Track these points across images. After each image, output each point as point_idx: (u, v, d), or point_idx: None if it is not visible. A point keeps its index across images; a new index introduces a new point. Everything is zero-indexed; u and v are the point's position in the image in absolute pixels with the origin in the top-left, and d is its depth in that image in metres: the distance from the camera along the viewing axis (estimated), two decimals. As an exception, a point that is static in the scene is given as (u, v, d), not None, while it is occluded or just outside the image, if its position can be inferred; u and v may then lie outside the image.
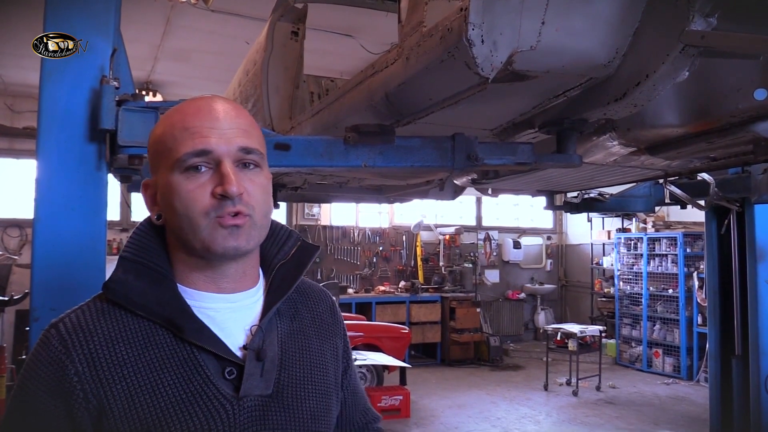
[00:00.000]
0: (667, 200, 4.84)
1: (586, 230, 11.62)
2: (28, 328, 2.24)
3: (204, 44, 7.04)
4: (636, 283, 9.71)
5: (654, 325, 9.25)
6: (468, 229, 11.50)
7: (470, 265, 10.93)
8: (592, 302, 11.26)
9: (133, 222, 8.85)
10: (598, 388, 8.08)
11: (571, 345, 8.23)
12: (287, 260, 1.14)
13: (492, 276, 11.39)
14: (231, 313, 1.05)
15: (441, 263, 11.00)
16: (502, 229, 11.95)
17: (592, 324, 9.79)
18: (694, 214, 6.80)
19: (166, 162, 1.01)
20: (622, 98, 1.93)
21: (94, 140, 2.27)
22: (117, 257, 1.06)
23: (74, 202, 2.28)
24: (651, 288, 9.36)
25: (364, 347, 7.29)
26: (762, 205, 4.78)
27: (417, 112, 2.27)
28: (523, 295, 11.83)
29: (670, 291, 9.04)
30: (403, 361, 7.56)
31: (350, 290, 10.24)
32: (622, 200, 5.07)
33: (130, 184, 2.89)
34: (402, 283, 10.48)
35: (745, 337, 4.96)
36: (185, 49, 7.23)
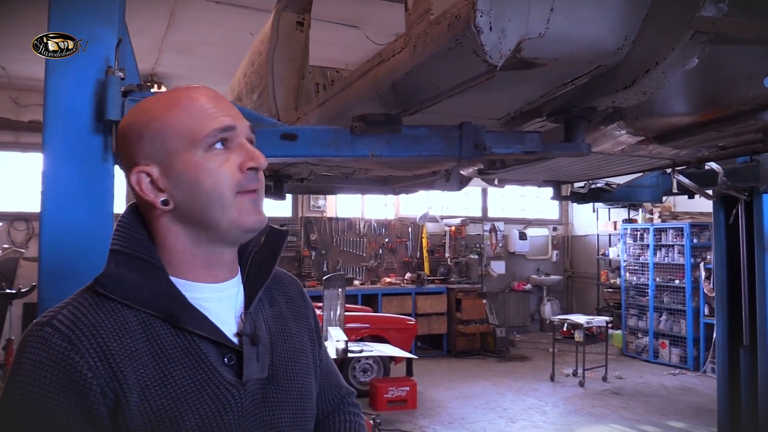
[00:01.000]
0: (674, 190, 4.80)
1: (592, 221, 11.58)
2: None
3: (208, 36, 7.02)
4: (642, 274, 9.68)
5: (660, 316, 9.23)
6: (474, 220, 11.48)
7: (476, 257, 10.91)
8: (599, 293, 11.24)
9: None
10: (604, 379, 8.08)
11: (578, 336, 8.22)
12: (260, 247, 1.16)
13: (498, 267, 11.37)
14: (220, 302, 1.07)
15: (447, 255, 10.98)
16: (508, 221, 11.93)
17: (599, 315, 9.77)
18: (701, 205, 6.76)
19: (183, 143, 1.01)
20: (631, 86, 1.91)
21: (100, 131, 2.26)
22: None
23: (81, 194, 2.28)
24: (657, 279, 9.33)
25: (371, 339, 7.30)
26: (770, 195, 4.75)
27: (424, 101, 2.25)
28: (529, 286, 11.82)
29: (677, 282, 9.01)
30: (410, 352, 7.59)
31: (356, 282, 10.24)
32: (629, 190, 5.05)
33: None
34: (408, 275, 10.47)
35: (753, 328, 4.93)
36: (190, 42, 7.21)
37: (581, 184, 4.84)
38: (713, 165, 4.21)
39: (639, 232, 9.88)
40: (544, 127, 2.59)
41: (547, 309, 11.68)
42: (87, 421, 0.92)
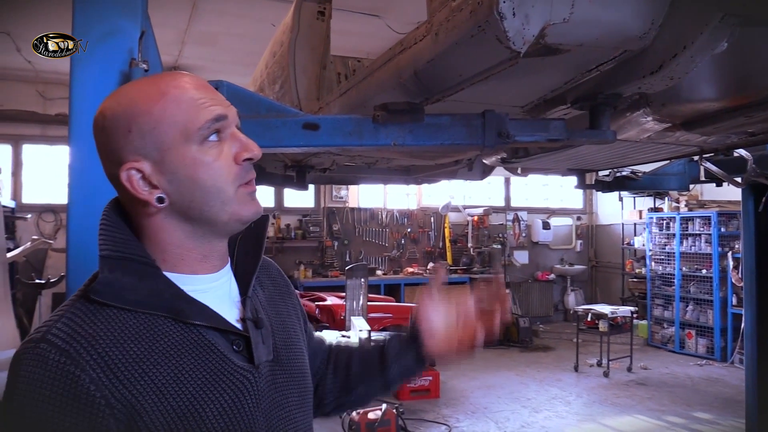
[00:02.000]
0: (702, 178, 4.71)
1: (616, 210, 11.46)
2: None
3: (231, 27, 7.06)
4: (668, 263, 9.56)
5: (687, 306, 9.11)
6: (496, 210, 11.43)
7: (499, 247, 10.87)
8: (623, 283, 11.12)
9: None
10: (629, 369, 8.01)
11: (602, 326, 8.15)
12: (244, 232, 1.14)
13: (521, 257, 11.32)
14: (217, 290, 1.06)
15: (469, 244, 10.96)
16: (531, 210, 11.85)
17: (623, 305, 9.68)
18: (729, 193, 6.65)
19: (177, 137, 0.97)
20: (658, 71, 1.87)
21: (124, 123, 2.28)
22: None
23: (107, 186, 2.29)
24: (684, 268, 9.21)
25: (394, 328, 7.30)
26: (802, 182, 4.64)
27: (446, 89, 2.23)
28: (552, 276, 11.75)
29: (704, 271, 8.88)
30: (432, 342, 7.57)
31: (379, 272, 10.27)
32: (655, 178, 4.96)
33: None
34: (430, 265, 10.46)
35: (782, 318, 4.85)
36: (212, 33, 7.25)
37: (606, 172, 4.78)
38: (742, 152, 4.12)
39: (665, 221, 9.74)
40: (569, 115, 2.55)
41: (571, 299, 11.60)
42: None
